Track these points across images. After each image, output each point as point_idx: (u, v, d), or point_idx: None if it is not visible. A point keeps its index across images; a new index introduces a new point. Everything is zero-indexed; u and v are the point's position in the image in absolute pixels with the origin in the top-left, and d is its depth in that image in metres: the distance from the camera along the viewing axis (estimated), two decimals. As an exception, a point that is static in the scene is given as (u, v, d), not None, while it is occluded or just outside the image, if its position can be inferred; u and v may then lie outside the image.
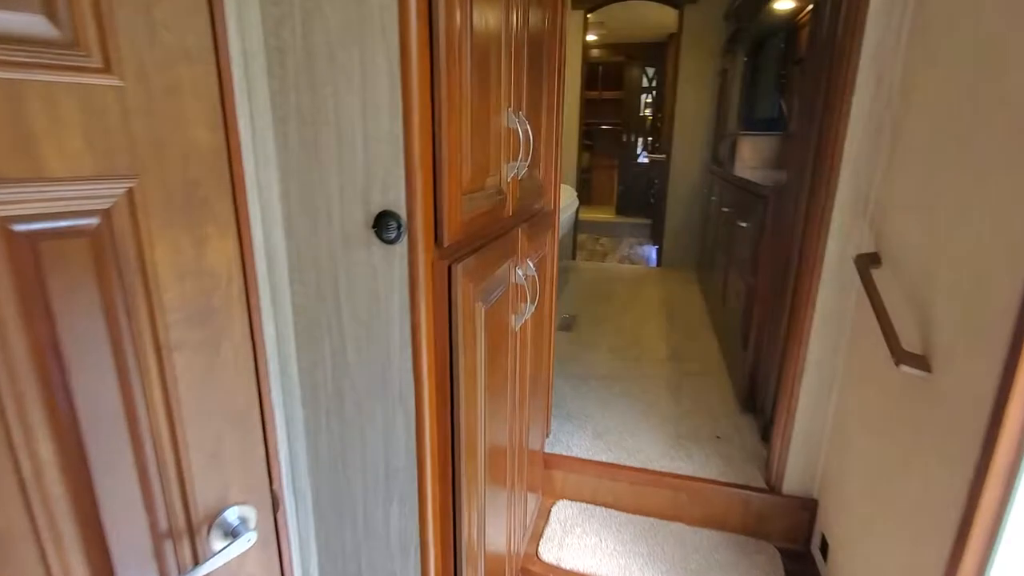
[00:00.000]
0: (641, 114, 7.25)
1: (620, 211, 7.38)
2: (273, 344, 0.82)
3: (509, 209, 1.04)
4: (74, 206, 0.56)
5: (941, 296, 0.96)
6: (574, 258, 4.91)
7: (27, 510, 0.55)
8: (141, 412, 0.67)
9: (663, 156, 4.52)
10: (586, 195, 7.95)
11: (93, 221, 0.59)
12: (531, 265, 1.14)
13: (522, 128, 1.02)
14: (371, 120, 0.68)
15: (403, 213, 0.70)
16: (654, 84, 7.06)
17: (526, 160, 1.08)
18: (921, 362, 0.97)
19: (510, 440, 1.15)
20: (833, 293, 1.42)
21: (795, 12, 2.34)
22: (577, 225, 4.90)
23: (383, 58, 0.65)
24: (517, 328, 1.09)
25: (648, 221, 6.37)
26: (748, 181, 2.12)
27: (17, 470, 0.54)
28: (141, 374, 0.66)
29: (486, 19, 0.80)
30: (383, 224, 0.70)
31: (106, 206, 0.60)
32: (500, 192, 0.97)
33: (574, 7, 4.21)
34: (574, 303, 3.50)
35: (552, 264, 1.61)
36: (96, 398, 0.62)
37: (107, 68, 0.58)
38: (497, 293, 0.94)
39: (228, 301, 0.74)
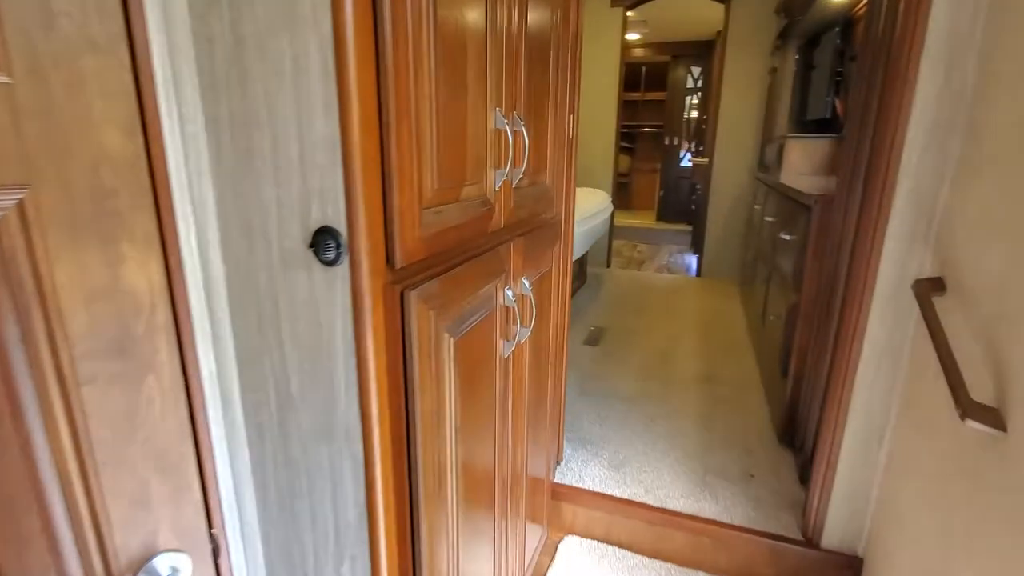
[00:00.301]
0: (686, 116, 6.99)
1: (660, 217, 7.13)
2: (213, 380, 0.73)
3: (499, 221, 0.93)
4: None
5: None
6: (608, 265, 4.74)
7: None
8: (42, 454, 0.59)
9: (706, 160, 4.30)
10: (625, 200, 7.73)
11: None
12: (526, 284, 1.02)
13: (512, 131, 0.91)
14: (305, 122, 0.58)
15: (343, 230, 0.59)
16: (700, 84, 6.79)
17: (521, 166, 0.96)
18: (994, 417, 0.79)
19: (499, 472, 1.03)
20: (886, 323, 1.23)
21: (852, 2, 2.13)
22: (612, 231, 4.73)
23: (315, 48, 0.55)
24: (507, 354, 0.98)
25: (689, 228, 6.12)
26: (792, 189, 1.93)
27: None
28: (42, 412, 0.58)
29: (459, 11, 0.70)
30: (320, 243, 0.60)
31: (-11, 219, 0.51)
32: (485, 203, 0.85)
33: (613, 4, 4.07)
34: (604, 314, 3.35)
35: (563, 278, 1.49)
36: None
37: (-11, 62, 0.50)
38: (476, 318, 0.82)
39: (152, 330, 0.66)
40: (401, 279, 0.65)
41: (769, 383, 2.20)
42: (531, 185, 1.11)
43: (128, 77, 0.59)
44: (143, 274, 0.64)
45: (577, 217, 2.77)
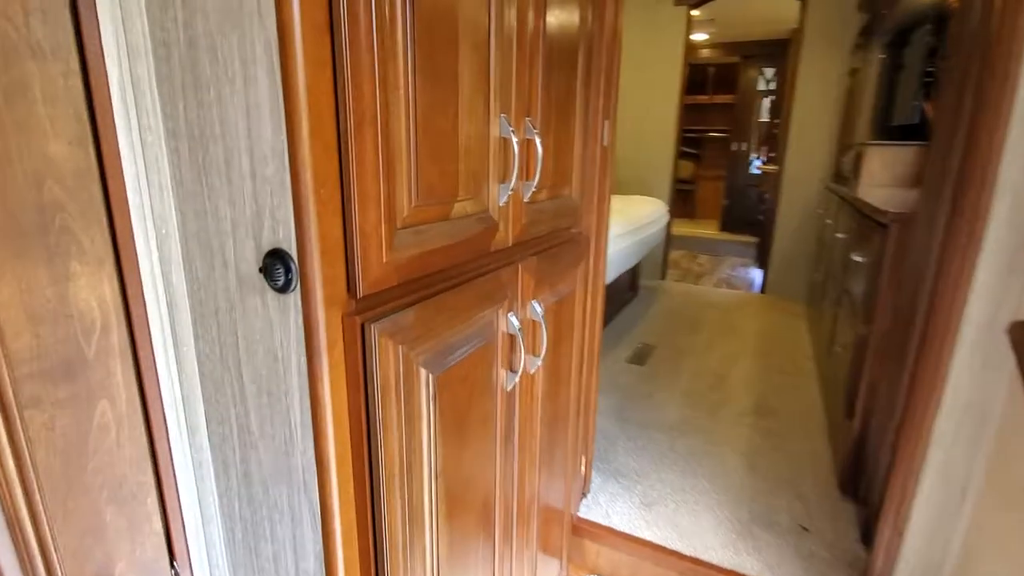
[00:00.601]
0: (757, 120, 6.62)
1: (725, 227, 6.78)
2: (178, 407, 0.69)
3: (506, 239, 0.85)
4: None
5: None
6: (663, 277, 4.53)
7: None
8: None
9: (776, 168, 4.02)
10: (688, 208, 7.43)
11: None
12: (537, 308, 0.93)
13: (522, 139, 0.82)
14: (255, 132, 0.52)
15: (294, 253, 0.53)
16: (772, 87, 6.41)
17: (533, 179, 0.87)
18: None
19: (501, 507, 0.94)
20: (973, 371, 1.04)
21: (946, -8, 1.89)
22: (669, 241, 4.52)
23: (262, 47, 0.49)
24: (511, 386, 0.89)
25: (755, 240, 5.77)
26: (867, 204, 1.72)
27: None
28: (-18, 436, 0.55)
29: (447, 9, 0.62)
30: (270, 267, 0.54)
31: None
32: (485, 220, 0.77)
33: (676, 3, 3.89)
34: (654, 330, 3.18)
35: (593, 299, 1.38)
36: None
37: (-84, 68, 0.47)
38: (467, 349, 0.74)
39: (105, 352, 0.62)
40: (364, 309, 0.58)
41: (833, 421, 1.98)
42: (551, 198, 1.01)
43: (77, 84, 0.55)
44: (94, 293, 0.60)
45: (625, 228, 2.63)
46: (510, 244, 0.87)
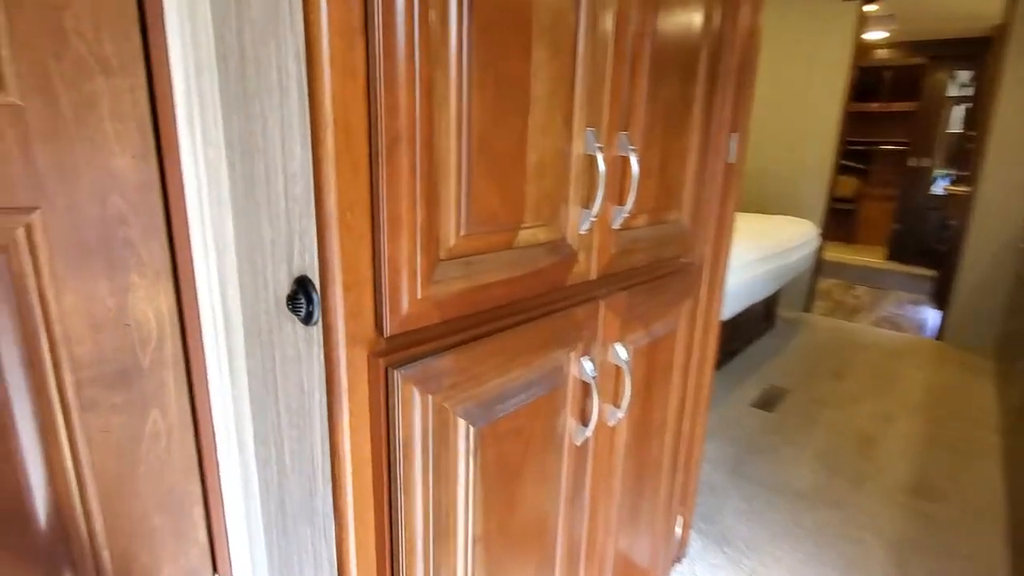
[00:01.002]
0: (944, 131, 5.66)
1: (893, 255, 5.88)
2: (229, 421, 0.69)
3: (589, 271, 0.74)
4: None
5: None
6: (808, 310, 4.02)
7: None
8: (35, 478, 0.59)
9: (966, 189, 3.36)
10: (846, 231, 6.59)
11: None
12: (622, 351, 0.81)
13: (609, 157, 0.71)
14: (287, 146, 0.48)
15: (318, 282, 0.48)
16: (968, 92, 5.43)
17: (627, 202, 0.76)
18: None
19: (568, 549, 0.83)
20: None
21: None
22: (819, 268, 4.00)
23: (292, 54, 0.45)
24: (580, 440, 0.78)
25: (932, 273, 4.91)
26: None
27: None
28: (44, 432, 0.58)
29: (520, 5, 0.54)
30: (295, 295, 0.50)
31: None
32: (560, 249, 0.68)
33: (845, -2, 3.43)
34: (789, 372, 2.80)
35: (705, 339, 1.20)
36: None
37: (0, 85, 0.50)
38: (523, 398, 0.65)
39: (159, 364, 0.63)
40: (393, 350, 0.52)
41: (1020, 521, 1.55)
42: (653, 224, 0.88)
43: (143, 98, 0.56)
44: (151, 305, 0.61)
45: (760, 253, 2.35)
46: (593, 277, 0.76)
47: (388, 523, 0.55)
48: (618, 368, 0.83)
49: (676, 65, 0.85)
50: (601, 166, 0.68)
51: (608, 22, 0.67)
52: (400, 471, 0.52)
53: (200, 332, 0.64)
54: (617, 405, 0.83)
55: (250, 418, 0.67)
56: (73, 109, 0.53)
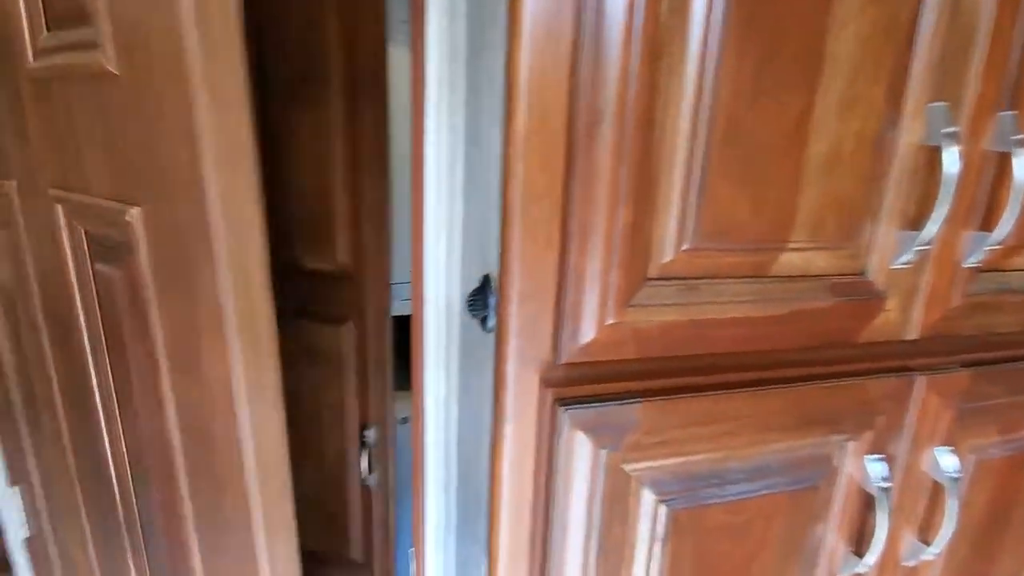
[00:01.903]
0: None
1: None
2: (439, 405, 0.70)
3: (902, 326, 0.51)
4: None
5: None
6: None
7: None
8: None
9: None
10: None
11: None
12: (948, 459, 0.53)
13: (968, 151, 0.46)
14: (485, 130, 0.44)
15: (496, 285, 0.43)
16: None
17: (1006, 226, 0.49)
18: None
19: None
20: None
21: None
22: None
23: (502, 13, 0.40)
24: (847, 573, 0.54)
25: None
26: None
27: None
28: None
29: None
30: (474, 296, 0.46)
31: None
32: (853, 288, 0.48)
33: None
34: None
35: None
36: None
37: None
38: (753, 488, 0.48)
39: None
40: (570, 382, 0.43)
41: None
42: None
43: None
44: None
45: None
46: (911, 337, 0.52)
47: (538, 583, 0.47)
48: (936, 484, 0.55)
49: None
50: (952, 164, 0.44)
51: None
52: (553, 532, 0.43)
53: (423, 316, 0.67)
54: (926, 540, 0.55)
55: (456, 404, 0.67)
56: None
